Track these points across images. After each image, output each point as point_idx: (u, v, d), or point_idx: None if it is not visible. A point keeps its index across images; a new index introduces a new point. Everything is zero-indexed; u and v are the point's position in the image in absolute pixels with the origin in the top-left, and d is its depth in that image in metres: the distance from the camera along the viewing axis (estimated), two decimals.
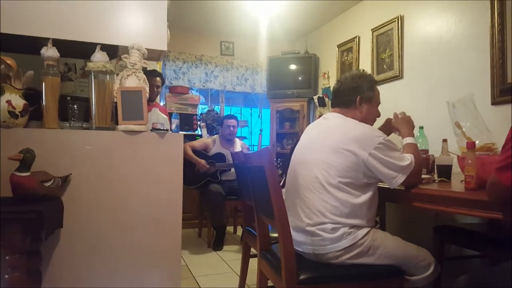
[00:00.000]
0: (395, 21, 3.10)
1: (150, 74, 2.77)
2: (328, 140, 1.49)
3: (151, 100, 2.99)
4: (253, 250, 2.16)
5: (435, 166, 1.75)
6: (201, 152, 3.55)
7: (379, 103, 1.70)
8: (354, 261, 1.41)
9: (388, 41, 3.21)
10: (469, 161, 1.34)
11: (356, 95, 1.59)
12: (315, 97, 4.28)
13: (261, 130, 4.90)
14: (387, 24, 3.21)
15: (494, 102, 2.24)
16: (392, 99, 3.06)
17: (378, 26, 3.32)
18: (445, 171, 1.68)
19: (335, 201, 1.41)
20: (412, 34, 2.98)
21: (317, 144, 1.53)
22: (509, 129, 1.01)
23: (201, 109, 4.65)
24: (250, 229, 2.13)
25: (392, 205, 2.67)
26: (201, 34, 4.63)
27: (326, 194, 1.43)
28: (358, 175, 1.43)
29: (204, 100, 4.77)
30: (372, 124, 1.62)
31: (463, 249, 2.22)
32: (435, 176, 1.71)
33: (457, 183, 1.57)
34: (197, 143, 3.63)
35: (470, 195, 1.27)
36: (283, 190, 1.61)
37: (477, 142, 1.61)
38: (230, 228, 3.97)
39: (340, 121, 1.57)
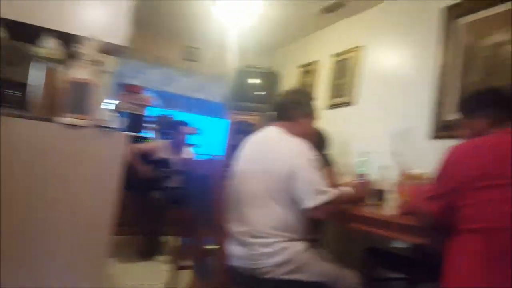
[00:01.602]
0: (355, 50, 3.30)
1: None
2: (266, 153, 1.54)
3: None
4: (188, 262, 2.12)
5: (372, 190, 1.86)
6: (148, 156, 3.44)
7: (315, 118, 1.78)
8: (288, 277, 1.42)
9: (346, 68, 3.40)
10: (403, 188, 1.45)
11: (296, 109, 1.66)
12: (272, 113, 4.37)
13: (216, 141, 4.90)
14: (347, 53, 3.40)
15: (432, 137, 2.43)
16: (344, 123, 3.22)
17: (339, 53, 3.52)
18: (381, 196, 1.80)
19: (274, 215, 1.45)
20: (369, 64, 3.19)
21: (255, 158, 1.57)
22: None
23: (155, 112, 4.57)
24: (187, 240, 2.10)
25: (332, 224, 2.77)
26: (166, 36, 4.59)
27: (266, 207, 1.46)
28: (288, 191, 1.46)
29: (159, 103, 4.69)
30: (310, 138, 1.66)
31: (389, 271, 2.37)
32: (371, 200, 1.82)
33: (389, 207, 1.67)
34: (144, 146, 3.51)
35: (400, 219, 1.37)
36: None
37: (412, 171, 1.74)
38: (166, 238, 3.85)
39: (277, 134, 1.62)
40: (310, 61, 3.97)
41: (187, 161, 2.13)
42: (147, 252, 3.25)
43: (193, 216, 1.74)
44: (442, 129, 2.36)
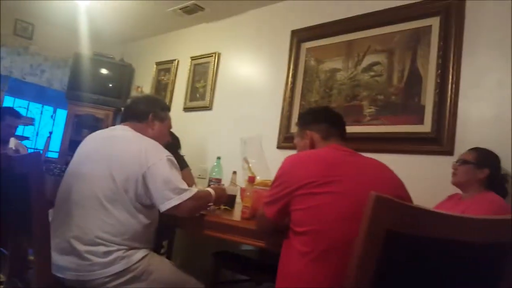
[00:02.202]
0: (213, 56, 3.42)
1: None
2: (111, 153, 1.45)
3: None
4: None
5: None
6: None
7: (171, 127, 1.78)
8: (125, 287, 1.36)
9: (204, 72, 3.48)
10: (247, 193, 1.57)
11: (149, 111, 1.62)
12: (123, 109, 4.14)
13: (50, 133, 4.35)
14: (206, 57, 3.49)
15: (278, 147, 2.72)
16: (200, 127, 3.30)
17: (197, 56, 3.58)
18: (230, 200, 1.91)
19: (113, 220, 1.36)
20: (226, 72, 3.34)
21: (98, 157, 1.46)
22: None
23: None
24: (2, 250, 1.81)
25: (181, 230, 2.80)
26: None
27: (103, 211, 1.36)
28: (136, 193, 1.40)
29: None
30: (162, 143, 1.63)
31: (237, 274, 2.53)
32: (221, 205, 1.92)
33: (239, 212, 1.79)
34: None
35: (243, 224, 1.48)
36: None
37: (258, 177, 1.90)
38: None
39: (129, 133, 1.55)
40: (168, 59, 3.92)
41: (7, 156, 1.82)
42: None
43: (6, 221, 1.49)
44: (286, 140, 2.65)
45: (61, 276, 1.35)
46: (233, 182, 2.08)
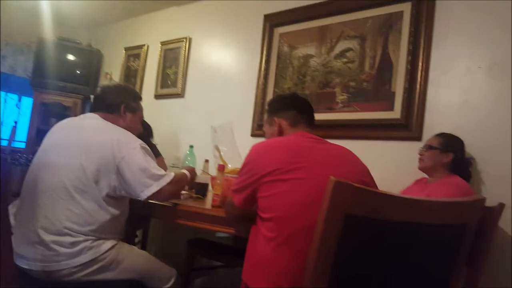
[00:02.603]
0: (183, 41, 3.37)
1: None
2: (82, 142, 1.43)
3: None
4: None
5: (194, 183, 1.97)
6: None
7: (142, 118, 1.77)
8: (93, 277, 1.36)
9: (175, 58, 3.43)
10: (218, 181, 1.59)
11: (120, 102, 1.61)
12: (92, 97, 4.06)
13: (15, 123, 4.23)
14: (176, 42, 3.44)
15: (252, 134, 2.74)
16: (172, 115, 3.28)
17: (168, 41, 3.52)
18: (202, 189, 1.92)
19: (81, 210, 1.36)
20: (197, 58, 3.30)
21: (67, 146, 1.44)
22: None
23: None
24: None
25: (155, 219, 2.80)
26: None
27: (71, 201, 1.36)
28: (109, 184, 1.40)
29: None
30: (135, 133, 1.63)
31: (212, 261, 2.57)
32: (193, 193, 1.93)
33: (210, 201, 1.81)
34: None
35: (214, 212, 1.51)
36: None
37: (230, 165, 1.92)
38: None
39: (99, 122, 1.54)
40: (138, 44, 3.84)
41: None
42: None
43: None
44: (261, 128, 2.66)
45: (27, 267, 1.34)
46: (204, 171, 2.09)
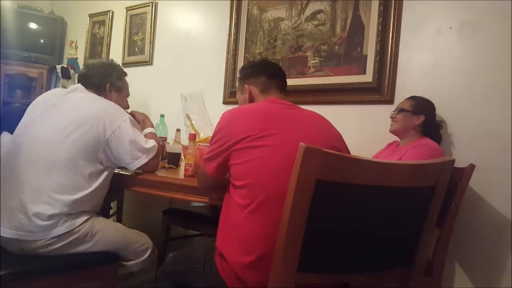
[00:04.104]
0: (149, 5, 3.18)
1: None
2: (72, 116, 1.41)
3: None
4: None
5: (167, 153, 1.91)
6: None
7: (128, 94, 1.79)
8: (67, 250, 1.36)
9: (141, 24, 3.25)
10: (190, 151, 1.53)
11: (105, 82, 1.62)
12: (59, 67, 3.85)
13: None
14: (142, 7, 3.24)
15: (224, 102, 2.66)
16: (141, 84, 3.13)
17: (133, 6, 3.31)
18: (174, 159, 1.87)
19: (67, 182, 1.34)
20: (165, 23, 3.13)
21: (56, 119, 1.41)
22: None
23: None
24: None
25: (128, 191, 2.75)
26: None
27: (59, 173, 1.34)
28: (97, 156, 1.41)
29: None
30: None
31: (188, 230, 2.55)
32: (166, 163, 1.87)
33: (183, 171, 1.76)
34: None
35: (186, 181, 1.46)
36: None
37: (202, 134, 1.86)
38: None
39: (87, 95, 1.53)
40: (102, 10, 3.61)
41: None
42: None
43: None
44: (233, 95, 2.59)
45: (3, 235, 1.31)
46: (176, 140, 2.03)
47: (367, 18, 2.11)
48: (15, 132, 1.48)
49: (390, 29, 2.03)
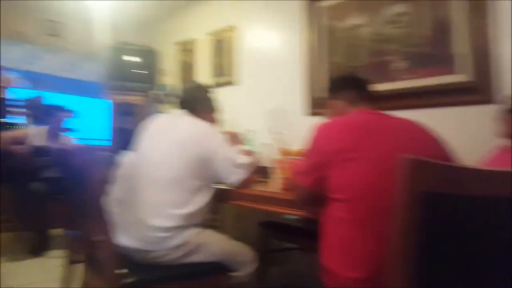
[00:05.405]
0: (230, 30, 3.35)
1: None
2: (178, 136, 1.55)
3: None
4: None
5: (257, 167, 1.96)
6: (20, 144, 3.03)
7: (218, 110, 1.87)
8: (182, 260, 1.45)
9: (224, 47, 3.42)
10: (283, 165, 1.57)
11: (197, 102, 1.74)
12: (153, 93, 4.22)
13: (91, 123, 4.51)
14: (223, 32, 3.43)
15: (308, 114, 2.66)
16: (227, 103, 3.26)
17: (215, 32, 3.52)
18: (265, 173, 1.92)
19: (178, 198, 1.46)
20: (245, 44, 3.26)
21: (165, 141, 1.56)
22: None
23: (23, 94, 3.96)
24: (74, 232, 1.95)
25: (227, 205, 2.87)
26: (21, 9, 3.96)
27: (170, 190, 1.46)
28: (202, 173, 1.51)
29: (25, 84, 4.08)
30: None
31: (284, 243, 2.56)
32: (257, 177, 1.92)
33: (275, 184, 1.78)
34: (15, 134, 3.07)
35: (283, 195, 1.49)
36: (120, 184, 1.58)
37: (291, 147, 1.88)
38: (56, 231, 3.52)
39: (187, 119, 1.66)
40: (188, 39, 3.88)
41: (65, 149, 1.95)
42: (36, 248, 2.95)
43: (75, 207, 1.61)
44: (315, 106, 2.59)
45: (129, 245, 1.45)
46: (266, 155, 2.08)
47: (456, 15, 1.95)
48: (133, 154, 1.65)
49: (481, 24, 1.85)
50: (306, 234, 1.97)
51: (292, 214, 1.46)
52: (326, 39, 2.57)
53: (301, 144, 1.90)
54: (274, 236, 2.20)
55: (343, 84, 1.40)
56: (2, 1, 3.79)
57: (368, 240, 0.99)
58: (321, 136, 1.17)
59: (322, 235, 1.14)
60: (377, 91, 1.48)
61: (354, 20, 2.40)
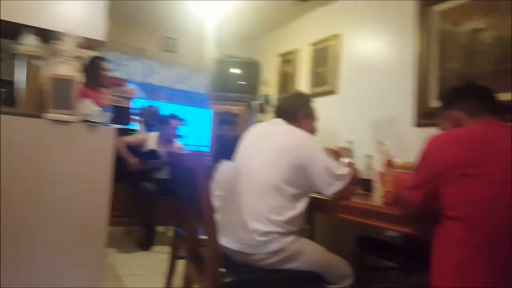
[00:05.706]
0: (333, 39, 3.30)
1: (97, 58, 2.84)
2: (275, 146, 1.56)
3: (100, 85, 2.89)
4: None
5: (359, 180, 1.88)
6: (137, 148, 3.44)
7: (317, 119, 1.86)
8: (280, 265, 1.47)
9: (325, 56, 3.39)
10: (388, 178, 1.48)
11: (298, 111, 1.74)
12: (255, 103, 4.37)
13: (200, 131, 4.88)
14: (325, 41, 3.40)
15: (417, 124, 2.45)
16: (326, 112, 3.23)
17: (317, 42, 3.51)
18: (367, 185, 1.83)
19: (276, 204, 1.47)
20: (348, 53, 3.19)
21: (264, 149, 1.59)
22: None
23: (140, 103, 4.50)
24: (180, 230, 2.12)
25: (320, 215, 2.81)
26: (143, 28, 4.50)
27: (269, 196, 1.48)
28: (298, 181, 1.50)
29: (143, 95, 4.62)
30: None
31: (382, 260, 2.41)
32: (359, 189, 1.85)
33: (377, 197, 1.70)
34: (132, 139, 3.51)
35: (387, 209, 1.40)
36: (220, 189, 1.67)
37: (397, 160, 1.77)
38: (160, 228, 3.88)
39: (286, 127, 1.67)
40: (289, 50, 3.95)
41: (175, 154, 2.14)
42: (144, 242, 3.28)
43: (183, 207, 1.75)
44: (425, 117, 2.39)
45: (230, 246, 1.50)
46: (368, 166, 1.98)
47: None
48: (235, 160, 1.71)
49: None
50: (408, 252, 1.83)
51: (393, 230, 1.36)
52: (438, 45, 2.37)
53: (407, 157, 1.79)
54: (372, 253, 2.09)
55: (462, 94, 1.28)
56: (128, 21, 4.35)
57: (486, 265, 0.88)
58: (435, 149, 1.08)
59: (434, 255, 1.04)
60: (501, 101, 1.32)
61: (473, 23, 2.17)
